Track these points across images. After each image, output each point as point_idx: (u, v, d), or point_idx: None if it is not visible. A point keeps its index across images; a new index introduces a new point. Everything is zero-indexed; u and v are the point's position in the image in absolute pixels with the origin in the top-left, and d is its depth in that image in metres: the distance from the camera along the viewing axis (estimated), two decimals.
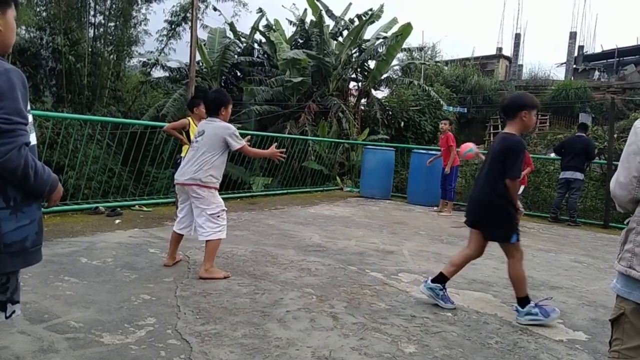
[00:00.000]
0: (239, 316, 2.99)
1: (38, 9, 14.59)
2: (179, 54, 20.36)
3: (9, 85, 1.53)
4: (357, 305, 3.38)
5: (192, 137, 5.88)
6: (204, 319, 2.90)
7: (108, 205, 6.40)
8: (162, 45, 17.58)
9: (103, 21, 15.87)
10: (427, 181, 9.24)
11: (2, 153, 1.49)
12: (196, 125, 5.90)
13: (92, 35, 15.59)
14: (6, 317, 1.66)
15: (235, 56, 16.10)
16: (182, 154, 5.97)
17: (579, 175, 8.40)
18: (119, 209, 6.27)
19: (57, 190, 1.73)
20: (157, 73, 17.78)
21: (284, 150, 4.39)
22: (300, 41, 16.48)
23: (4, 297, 1.64)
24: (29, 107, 1.65)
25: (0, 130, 1.49)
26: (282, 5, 30.22)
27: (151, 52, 17.58)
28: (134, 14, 16.24)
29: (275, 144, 4.26)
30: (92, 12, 15.54)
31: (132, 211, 6.47)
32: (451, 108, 18.55)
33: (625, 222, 1.72)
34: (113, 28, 16.08)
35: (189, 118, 5.96)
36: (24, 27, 13.41)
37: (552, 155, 9.88)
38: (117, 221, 5.69)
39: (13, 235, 1.57)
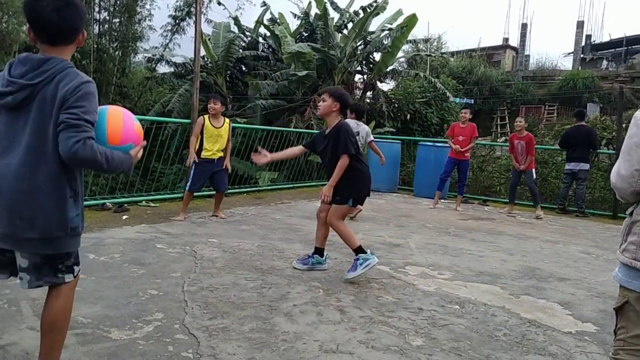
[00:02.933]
0: (246, 310, 3.00)
1: None
2: (184, 49, 20.34)
3: (86, 91, 1.77)
4: (364, 298, 3.38)
5: (205, 135, 5.73)
6: (211, 314, 2.90)
7: (115, 201, 6.43)
8: (167, 41, 17.57)
9: (108, 17, 15.87)
10: (433, 174, 9.18)
11: (68, 146, 1.69)
12: (211, 124, 5.79)
13: (97, 31, 15.58)
14: (74, 276, 1.96)
15: (240, 50, 16.02)
16: (205, 147, 5.77)
17: (583, 166, 8.33)
18: (126, 205, 6.30)
19: (133, 165, 2.00)
20: (162, 69, 17.75)
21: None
22: (305, 34, 16.39)
23: (70, 262, 1.93)
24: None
25: (67, 124, 1.70)
26: None
27: (156, 47, 17.56)
28: (138, 9, 16.21)
29: None
30: (96, 9, 15.53)
31: (139, 207, 6.50)
32: (457, 99, 18.44)
33: (627, 212, 1.70)
34: (118, 24, 16.06)
35: (205, 116, 5.79)
36: (28, 25, 13.42)
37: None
38: (125, 217, 5.71)
39: (75, 220, 1.87)
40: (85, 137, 1.72)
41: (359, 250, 3.80)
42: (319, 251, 4.06)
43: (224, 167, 5.92)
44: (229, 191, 8.32)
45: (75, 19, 1.81)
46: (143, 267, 3.74)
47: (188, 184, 5.90)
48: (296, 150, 4.33)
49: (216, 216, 6.04)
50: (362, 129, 6.63)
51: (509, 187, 8.68)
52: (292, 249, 4.63)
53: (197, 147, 5.77)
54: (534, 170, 8.16)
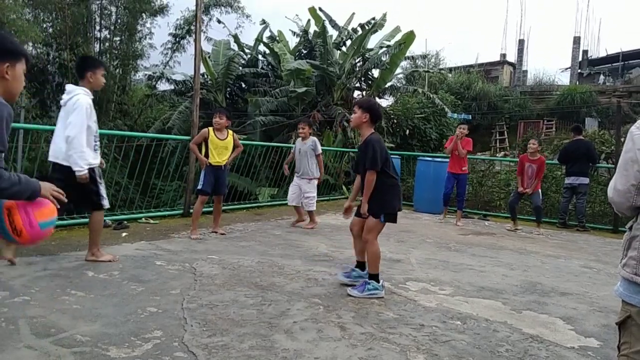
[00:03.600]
0: (245, 327, 2.97)
1: (44, 25, 14.77)
2: (184, 66, 20.40)
3: None
4: (364, 314, 3.35)
5: (210, 147, 5.84)
6: (211, 331, 2.88)
7: (115, 218, 6.41)
8: (167, 59, 17.74)
9: (108, 36, 16.05)
10: (433, 189, 9.19)
11: None
12: (216, 136, 5.87)
13: (97, 49, 15.74)
14: None
15: (240, 68, 16.17)
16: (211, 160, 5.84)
17: (583, 180, 8.33)
18: (125, 222, 6.28)
19: (41, 193, 1.95)
20: (163, 86, 17.90)
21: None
22: (304, 51, 16.56)
23: None
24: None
25: None
26: (286, 16, 30.48)
27: (156, 65, 17.72)
28: (139, 28, 16.40)
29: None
30: (97, 27, 15.73)
31: (139, 224, 6.48)
32: (456, 115, 18.52)
33: (627, 227, 1.71)
34: (118, 42, 16.24)
35: (209, 128, 5.90)
36: (31, 44, 13.56)
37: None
38: (124, 234, 5.69)
39: None
40: None
41: (374, 276, 3.80)
42: (361, 264, 4.06)
43: (227, 167, 6.05)
44: (229, 207, 8.31)
45: None
46: (142, 285, 3.72)
47: (199, 185, 5.87)
48: (357, 181, 4.12)
49: (215, 232, 6.03)
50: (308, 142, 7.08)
51: (509, 206, 8.44)
52: (292, 265, 4.61)
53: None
54: (540, 191, 8.01)
